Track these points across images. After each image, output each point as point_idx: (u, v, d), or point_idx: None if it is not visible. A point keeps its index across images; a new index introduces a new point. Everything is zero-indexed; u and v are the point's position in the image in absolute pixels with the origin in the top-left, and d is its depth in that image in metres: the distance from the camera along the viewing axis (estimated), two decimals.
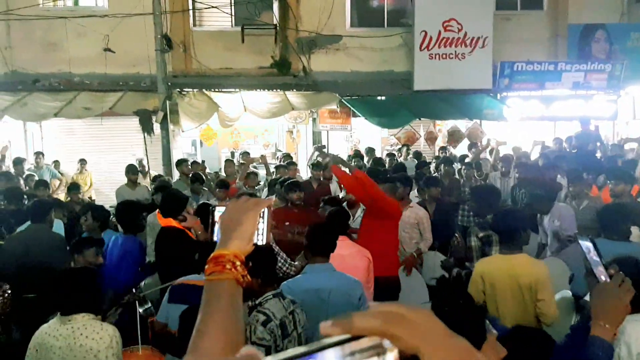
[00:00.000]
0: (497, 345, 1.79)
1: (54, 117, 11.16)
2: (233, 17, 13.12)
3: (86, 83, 12.28)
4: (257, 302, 3.08)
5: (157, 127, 11.25)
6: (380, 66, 13.53)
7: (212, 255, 1.15)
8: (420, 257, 6.01)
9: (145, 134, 11.15)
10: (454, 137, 12.88)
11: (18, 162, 9.97)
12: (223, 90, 12.29)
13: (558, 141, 11.35)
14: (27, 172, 9.73)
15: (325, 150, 11.06)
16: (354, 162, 9.43)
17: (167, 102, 11.17)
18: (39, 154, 10.98)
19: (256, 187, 8.62)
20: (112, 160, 12.43)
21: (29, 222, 5.44)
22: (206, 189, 8.31)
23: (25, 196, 7.01)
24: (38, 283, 4.78)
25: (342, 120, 12.84)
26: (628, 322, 2.27)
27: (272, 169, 9.60)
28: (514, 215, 4.10)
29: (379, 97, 13.07)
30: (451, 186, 8.21)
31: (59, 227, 5.80)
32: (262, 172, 9.96)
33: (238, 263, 1.13)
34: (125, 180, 9.10)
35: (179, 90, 11.93)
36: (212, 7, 12.50)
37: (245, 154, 10.94)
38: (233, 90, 12.30)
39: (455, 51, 12.97)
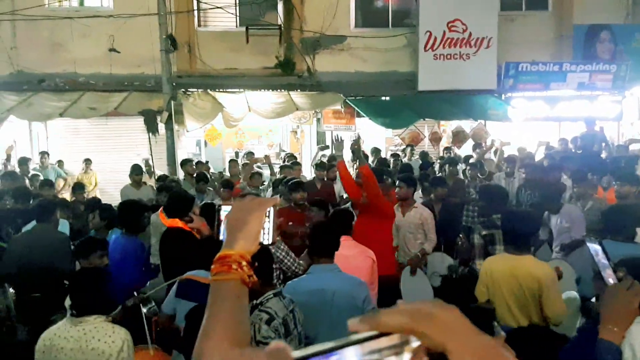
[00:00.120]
0: (505, 347, 1.78)
1: (59, 117, 11.20)
2: (238, 18, 13.14)
3: (91, 83, 12.32)
4: (258, 301, 3.09)
5: (161, 127, 11.26)
6: (384, 66, 13.51)
7: (218, 255, 1.15)
8: (425, 258, 6.00)
9: (150, 134, 11.16)
10: (459, 137, 12.86)
11: (23, 161, 9.99)
12: (227, 90, 12.31)
13: (563, 142, 11.33)
14: (32, 172, 9.77)
15: (329, 149, 11.07)
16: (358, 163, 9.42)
17: (172, 102, 11.19)
18: (44, 154, 11.01)
19: (260, 187, 8.62)
20: (116, 160, 12.45)
21: (34, 222, 5.46)
22: (211, 189, 8.32)
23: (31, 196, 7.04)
24: (42, 283, 4.80)
25: (346, 120, 12.83)
26: (634, 324, 2.26)
27: (276, 169, 9.60)
28: (525, 217, 4.09)
29: (383, 98, 13.05)
30: (455, 187, 8.20)
31: (64, 226, 5.82)
32: (266, 172, 9.97)
33: (244, 263, 1.12)
34: (129, 180, 9.13)
35: (183, 90, 11.96)
36: (217, 7, 12.52)
37: (250, 154, 10.95)
38: (237, 90, 12.31)
39: (460, 52, 12.94)
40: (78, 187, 8.52)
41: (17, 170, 9.63)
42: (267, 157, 9.91)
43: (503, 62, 13.00)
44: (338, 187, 8.23)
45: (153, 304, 3.94)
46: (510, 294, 3.68)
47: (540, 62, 13.05)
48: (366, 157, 10.85)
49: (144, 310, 3.74)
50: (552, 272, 3.71)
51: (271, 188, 8.21)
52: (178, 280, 3.83)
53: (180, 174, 10.02)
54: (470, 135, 12.69)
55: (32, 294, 4.77)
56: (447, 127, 13.65)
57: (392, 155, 12.07)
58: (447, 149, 12.33)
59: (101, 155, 12.30)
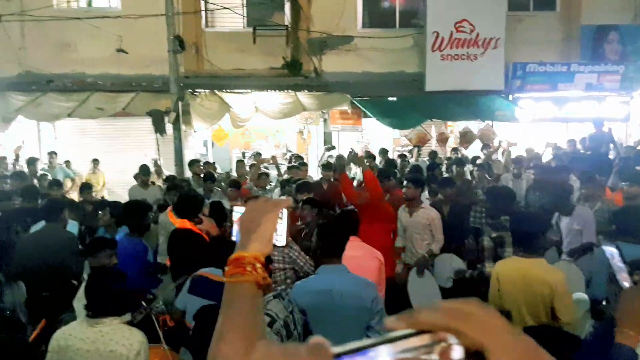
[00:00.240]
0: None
1: (67, 118, 11.26)
2: (245, 18, 13.18)
3: (99, 83, 12.38)
4: None
5: (169, 127, 11.28)
6: (391, 67, 13.49)
7: (231, 257, 1.14)
8: (432, 258, 5.98)
9: (158, 135, 11.19)
10: (466, 138, 12.81)
11: (31, 161, 10.04)
12: (234, 91, 12.34)
13: (572, 143, 11.29)
14: (40, 172, 9.82)
15: (335, 150, 11.07)
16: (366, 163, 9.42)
17: (180, 102, 11.21)
18: (52, 154, 11.06)
19: (267, 188, 8.63)
20: (124, 161, 12.48)
21: (43, 222, 5.48)
22: (219, 189, 8.34)
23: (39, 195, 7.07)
24: (51, 282, 4.82)
25: (353, 121, 12.83)
26: None
27: (282, 170, 9.61)
28: (532, 218, 4.07)
29: (390, 98, 13.05)
30: (463, 187, 8.17)
31: (73, 228, 5.83)
32: (273, 173, 9.98)
33: (258, 265, 1.12)
34: (135, 180, 9.17)
35: (191, 91, 11.99)
36: (224, 8, 12.54)
37: (257, 155, 10.96)
38: (244, 91, 12.34)
39: (467, 52, 12.91)
40: (86, 187, 8.53)
41: (26, 170, 9.68)
42: (274, 157, 9.92)
43: (511, 62, 12.97)
44: None
45: (160, 303, 3.95)
46: (521, 298, 3.66)
47: (548, 63, 13.01)
48: (373, 157, 10.87)
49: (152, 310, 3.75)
50: (563, 277, 3.69)
51: (280, 188, 8.21)
52: (191, 277, 3.86)
53: (188, 175, 10.05)
54: (478, 136, 12.64)
55: (41, 293, 4.79)
56: (455, 127, 13.62)
57: (399, 155, 12.06)
58: (454, 149, 12.30)
59: (109, 155, 12.33)
